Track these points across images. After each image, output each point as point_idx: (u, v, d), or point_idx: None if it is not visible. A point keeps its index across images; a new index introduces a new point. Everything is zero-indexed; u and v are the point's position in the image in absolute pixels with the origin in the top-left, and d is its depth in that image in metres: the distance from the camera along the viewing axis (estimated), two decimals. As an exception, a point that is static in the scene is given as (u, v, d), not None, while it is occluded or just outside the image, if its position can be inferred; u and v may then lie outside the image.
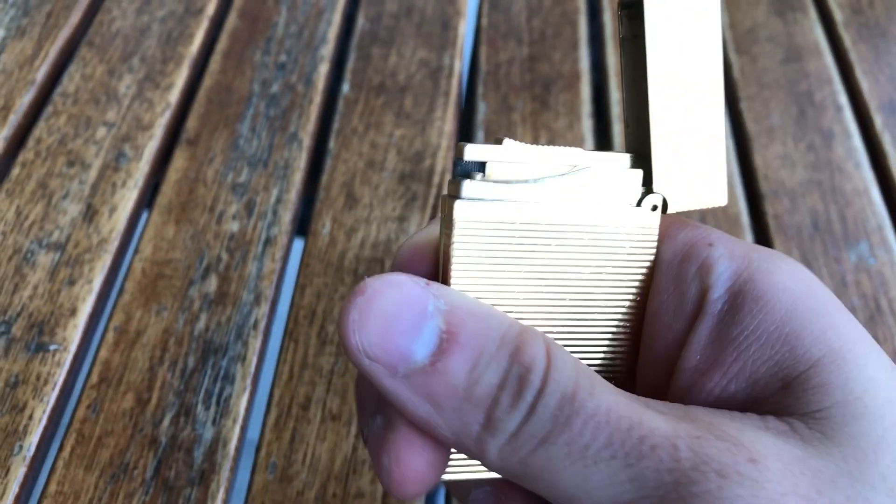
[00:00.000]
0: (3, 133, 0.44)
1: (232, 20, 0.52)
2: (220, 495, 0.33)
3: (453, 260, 0.21)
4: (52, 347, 0.36)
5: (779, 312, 0.20)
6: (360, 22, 0.53)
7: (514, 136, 0.47)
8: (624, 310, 0.22)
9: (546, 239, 0.21)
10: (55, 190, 0.42)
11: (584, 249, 0.22)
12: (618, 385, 0.22)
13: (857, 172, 0.47)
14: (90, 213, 0.41)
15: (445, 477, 0.22)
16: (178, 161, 0.44)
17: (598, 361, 0.23)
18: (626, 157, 0.22)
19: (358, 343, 0.19)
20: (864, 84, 0.52)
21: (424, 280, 0.20)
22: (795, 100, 0.51)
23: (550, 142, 0.47)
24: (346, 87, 0.49)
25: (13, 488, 0.32)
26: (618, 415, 0.18)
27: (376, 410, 0.21)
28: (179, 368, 0.36)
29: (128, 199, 0.42)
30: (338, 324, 0.19)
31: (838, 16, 0.56)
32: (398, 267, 0.23)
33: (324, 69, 0.49)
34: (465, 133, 0.49)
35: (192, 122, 0.46)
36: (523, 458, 0.19)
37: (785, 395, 0.19)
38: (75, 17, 0.50)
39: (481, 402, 0.19)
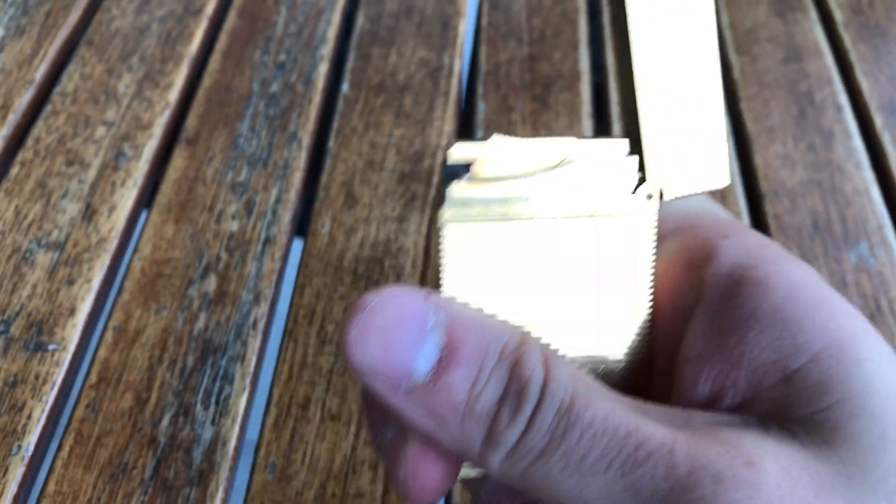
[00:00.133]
0: (2, 132, 0.44)
1: (231, 19, 0.52)
2: (219, 495, 0.33)
3: (445, 266, 0.20)
4: (50, 347, 0.36)
5: (778, 296, 0.20)
6: (360, 21, 0.53)
7: (514, 136, 0.47)
8: (627, 302, 0.22)
9: (539, 234, 0.21)
10: (54, 189, 0.42)
11: (580, 243, 0.21)
12: (634, 379, 0.22)
13: (857, 172, 0.47)
14: (89, 213, 0.41)
15: (462, 474, 0.22)
16: (178, 160, 0.44)
17: (604, 359, 0.22)
18: (624, 143, 0.21)
19: (359, 360, 0.19)
20: (865, 84, 0.52)
21: (425, 291, 0.19)
22: (795, 100, 0.51)
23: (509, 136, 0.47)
24: (345, 87, 0.49)
25: (12, 488, 0.32)
26: (614, 423, 0.18)
27: (388, 420, 0.21)
28: (178, 368, 0.36)
29: (127, 198, 0.42)
30: (339, 340, 0.19)
31: (838, 16, 0.56)
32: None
33: (323, 69, 0.49)
34: (465, 133, 0.49)
35: (191, 122, 0.46)
36: (523, 471, 0.18)
37: (784, 391, 0.19)
38: (74, 17, 0.50)
39: (482, 417, 0.18)
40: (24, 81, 0.46)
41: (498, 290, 0.21)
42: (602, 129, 0.50)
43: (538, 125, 0.48)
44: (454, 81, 0.49)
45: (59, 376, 0.35)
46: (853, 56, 0.53)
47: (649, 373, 0.22)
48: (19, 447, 0.33)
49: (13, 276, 0.38)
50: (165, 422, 0.34)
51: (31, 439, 0.33)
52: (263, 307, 0.38)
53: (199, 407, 0.35)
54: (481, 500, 0.23)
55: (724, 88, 0.22)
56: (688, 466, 0.17)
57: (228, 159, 0.44)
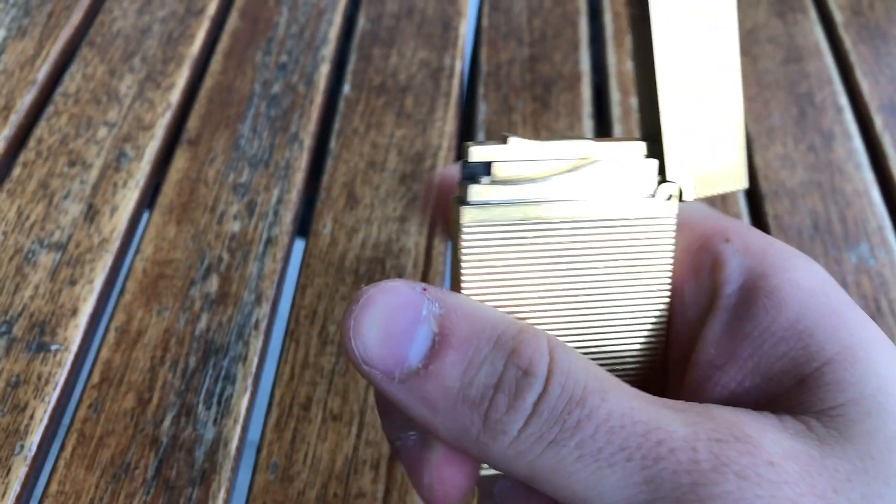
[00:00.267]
0: (5, 133, 0.44)
1: (233, 20, 0.52)
2: (221, 495, 0.33)
3: (463, 265, 0.20)
4: (53, 347, 0.36)
5: (793, 309, 0.20)
6: (361, 22, 0.53)
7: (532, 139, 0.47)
8: (645, 305, 0.22)
9: (558, 237, 0.21)
10: (56, 190, 0.42)
11: (598, 245, 0.21)
12: (650, 381, 0.22)
13: (857, 173, 0.47)
14: (91, 213, 0.41)
15: (482, 473, 0.22)
16: (180, 161, 0.44)
17: (622, 360, 0.22)
18: (642, 146, 0.21)
19: (355, 350, 0.19)
20: (865, 85, 0.52)
21: (421, 284, 0.20)
22: (796, 100, 0.51)
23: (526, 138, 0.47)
24: (346, 88, 0.49)
25: (14, 488, 0.32)
26: (632, 419, 0.18)
27: (408, 426, 0.21)
28: (180, 368, 0.36)
29: (129, 199, 0.42)
30: (339, 332, 0.20)
31: (838, 17, 0.56)
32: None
33: (325, 69, 0.49)
34: (466, 133, 0.49)
35: (193, 123, 0.46)
36: (531, 461, 0.18)
37: (799, 392, 0.19)
38: (76, 17, 0.50)
39: (476, 403, 0.19)
40: (26, 82, 0.46)
41: (516, 291, 0.21)
42: (602, 129, 0.50)
43: (539, 126, 0.48)
44: (455, 82, 0.50)
45: (62, 377, 0.35)
46: (853, 57, 0.53)
47: (664, 375, 0.22)
48: (22, 447, 0.33)
49: (15, 276, 0.38)
50: (167, 422, 0.35)
51: (34, 439, 0.33)
52: (265, 308, 0.38)
53: (201, 407, 0.35)
54: (494, 500, 0.23)
55: (740, 68, 0.22)
56: (711, 463, 0.18)
57: (230, 160, 0.44)
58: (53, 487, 0.33)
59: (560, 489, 0.19)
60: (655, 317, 0.22)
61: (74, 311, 0.37)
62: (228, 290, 0.39)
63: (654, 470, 0.18)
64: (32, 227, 0.40)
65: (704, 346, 0.21)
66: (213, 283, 0.39)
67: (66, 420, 0.35)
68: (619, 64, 0.52)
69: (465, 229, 0.20)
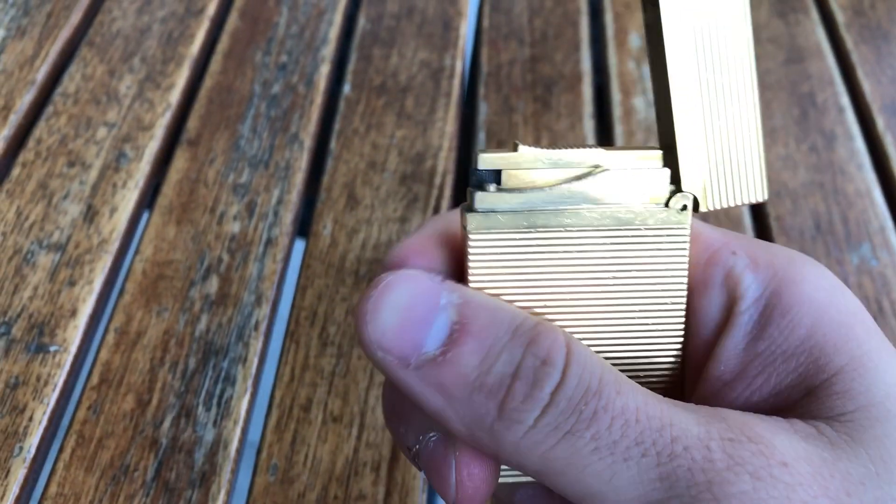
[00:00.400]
0: (4, 133, 0.44)
1: (233, 20, 0.52)
2: (221, 497, 0.33)
3: (470, 272, 0.20)
4: (52, 348, 0.36)
5: (805, 327, 0.20)
6: (361, 22, 0.53)
7: (515, 137, 0.47)
8: (659, 316, 0.21)
9: (568, 246, 0.20)
10: (55, 190, 0.42)
11: (609, 255, 0.21)
12: (664, 394, 0.22)
13: (859, 174, 0.47)
14: (91, 214, 0.41)
15: (502, 480, 0.21)
16: (179, 162, 0.44)
17: (635, 371, 0.22)
18: (657, 154, 0.21)
19: (370, 335, 0.19)
20: (867, 85, 0.51)
21: (439, 276, 0.20)
22: (797, 101, 0.50)
23: (552, 143, 0.47)
24: (347, 88, 0.49)
25: (13, 490, 0.32)
26: (647, 414, 0.18)
27: (428, 426, 0.21)
28: (180, 370, 0.36)
29: (128, 199, 0.42)
30: (354, 319, 0.19)
31: (840, 17, 0.56)
32: (391, 268, 0.22)
33: (325, 70, 0.49)
34: (467, 134, 0.49)
35: (192, 123, 0.46)
36: (544, 453, 0.18)
37: (808, 402, 0.20)
38: (76, 18, 0.50)
39: (493, 391, 0.19)
40: (26, 82, 0.46)
41: (523, 299, 0.21)
42: (603, 130, 0.50)
43: (539, 126, 0.48)
44: (456, 82, 0.49)
45: (61, 378, 0.35)
46: (855, 57, 0.53)
47: (681, 387, 0.22)
48: (21, 449, 0.33)
49: (14, 277, 0.38)
50: (167, 424, 0.34)
51: (33, 441, 0.33)
52: (265, 309, 0.38)
53: (200, 409, 0.35)
54: None
55: (756, 77, 0.21)
56: (726, 462, 0.18)
57: (230, 160, 0.44)
58: (52, 489, 0.32)
59: (573, 483, 0.18)
60: (671, 328, 0.22)
61: (74, 312, 0.37)
62: (228, 291, 0.39)
63: (669, 467, 0.18)
64: (31, 227, 0.40)
65: (717, 361, 0.21)
66: (213, 284, 0.39)
67: (65, 421, 0.35)
68: (620, 64, 0.52)
69: (471, 237, 0.20)
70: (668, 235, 0.21)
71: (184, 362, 0.36)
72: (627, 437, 0.18)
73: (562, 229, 0.20)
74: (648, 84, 0.51)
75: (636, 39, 0.54)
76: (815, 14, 0.56)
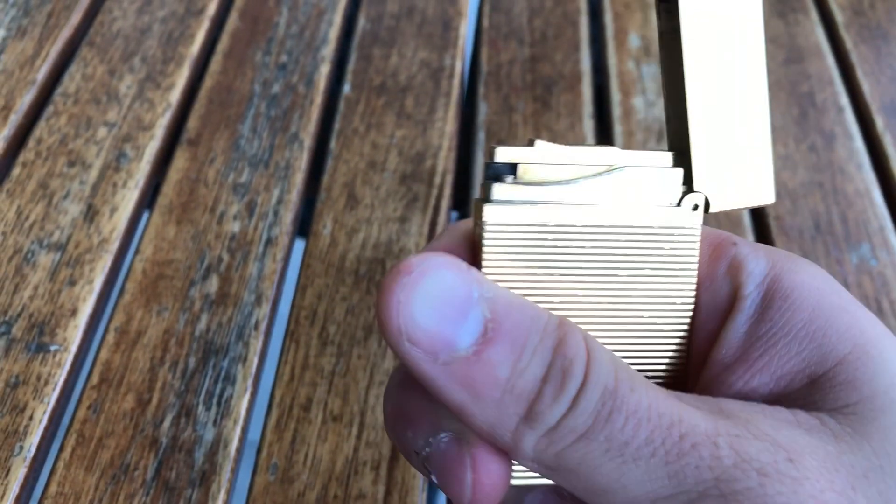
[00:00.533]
0: (4, 133, 0.44)
1: (233, 20, 0.52)
2: (221, 496, 0.33)
3: (484, 265, 0.20)
4: (52, 348, 0.36)
5: (806, 310, 0.20)
6: (361, 22, 0.53)
7: (515, 137, 0.47)
8: (667, 313, 0.22)
9: (581, 241, 0.21)
10: (56, 190, 0.42)
11: (620, 252, 0.21)
12: (669, 387, 0.22)
13: (858, 174, 0.47)
14: (91, 214, 0.41)
15: (514, 482, 0.21)
16: (179, 161, 0.44)
17: (643, 366, 0.22)
18: (668, 156, 0.21)
19: (400, 325, 0.18)
20: (866, 85, 0.52)
21: (465, 263, 0.19)
22: (797, 101, 0.51)
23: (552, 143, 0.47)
24: (347, 88, 0.49)
25: (13, 489, 0.32)
26: (658, 412, 0.18)
27: (439, 427, 0.20)
28: (180, 369, 0.36)
29: (129, 199, 0.42)
30: (377, 303, 0.18)
31: (839, 17, 0.56)
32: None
33: (325, 70, 0.49)
34: (466, 134, 0.49)
35: (192, 123, 0.46)
36: (559, 452, 0.18)
37: (811, 392, 0.20)
38: (76, 17, 0.50)
39: (524, 394, 0.18)
40: (26, 82, 0.46)
41: (536, 293, 0.21)
42: (603, 129, 0.50)
43: (539, 126, 0.48)
44: (455, 82, 0.49)
45: (61, 377, 0.35)
46: (854, 57, 0.53)
47: (685, 381, 0.22)
48: (21, 448, 0.33)
49: (15, 276, 0.38)
50: (167, 423, 0.34)
51: (33, 440, 0.33)
52: (265, 308, 0.38)
53: (200, 408, 0.35)
54: None
55: (767, 82, 0.22)
56: (733, 459, 0.18)
57: (230, 160, 0.44)
58: (53, 489, 0.32)
59: (583, 480, 0.19)
60: (678, 324, 0.22)
61: (74, 312, 0.37)
62: (228, 291, 0.39)
63: (677, 465, 0.18)
64: (32, 227, 0.40)
65: (720, 347, 0.21)
66: (213, 284, 0.39)
67: (65, 421, 0.35)
68: (620, 64, 0.52)
69: (487, 227, 0.20)
70: (679, 234, 0.21)
71: (184, 362, 0.36)
72: (638, 437, 0.18)
73: (576, 224, 0.21)
74: (648, 84, 0.51)
75: (636, 39, 0.54)
76: (814, 14, 0.56)
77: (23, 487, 0.32)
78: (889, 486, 0.18)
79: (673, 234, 0.21)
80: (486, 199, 0.20)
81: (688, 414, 0.18)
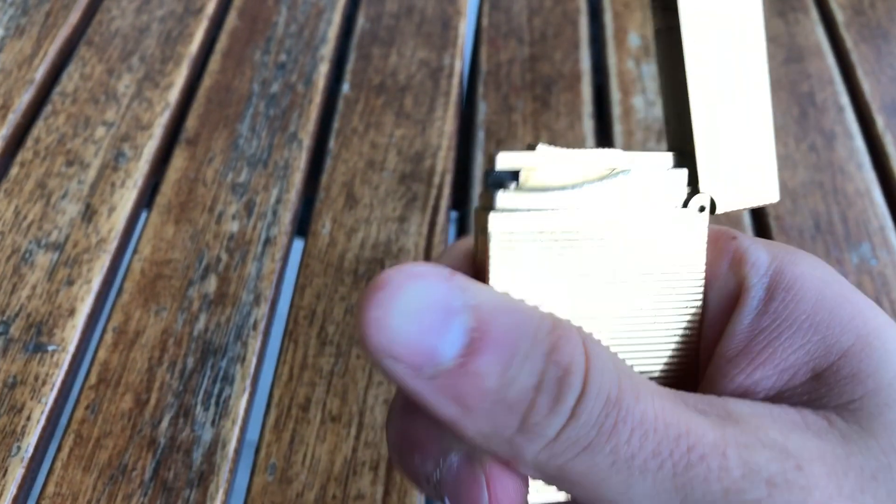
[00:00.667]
0: (2, 132, 0.44)
1: (231, 20, 0.51)
2: (220, 497, 0.33)
3: (491, 275, 0.20)
4: (50, 348, 0.36)
5: (809, 301, 0.20)
6: (361, 22, 0.53)
7: (515, 137, 0.47)
8: (677, 316, 0.21)
9: (588, 246, 0.20)
10: (54, 190, 0.41)
11: (628, 255, 0.21)
12: (679, 387, 0.22)
13: (858, 173, 0.47)
14: (89, 213, 0.41)
15: (530, 499, 0.21)
16: (178, 161, 0.44)
17: (652, 369, 0.22)
18: (669, 157, 0.21)
19: (380, 343, 0.17)
20: (866, 85, 0.51)
21: (448, 270, 0.18)
22: (797, 100, 0.50)
23: (551, 143, 0.47)
24: (346, 87, 0.49)
25: (11, 489, 0.32)
26: (665, 422, 0.18)
27: (448, 447, 0.20)
28: (178, 369, 0.36)
29: (127, 198, 0.42)
30: (356, 320, 0.17)
31: (840, 16, 0.56)
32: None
33: (324, 69, 0.49)
34: (466, 133, 0.49)
35: (191, 122, 0.46)
36: (563, 465, 0.18)
37: (817, 387, 0.19)
38: (74, 17, 0.50)
39: (516, 405, 0.17)
40: (24, 81, 0.46)
41: (545, 299, 0.20)
42: (603, 129, 0.50)
43: (539, 125, 0.48)
44: (455, 81, 0.49)
45: (59, 377, 0.35)
46: (855, 57, 0.53)
47: (695, 380, 0.22)
48: (19, 448, 0.33)
49: (13, 276, 0.38)
50: (165, 423, 0.34)
51: (31, 440, 0.33)
52: (264, 308, 0.38)
53: (199, 408, 0.35)
54: None
55: (769, 80, 0.22)
56: (741, 470, 0.17)
57: (229, 160, 0.44)
58: (50, 489, 0.32)
59: (588, 492, 0.18)
60: (687, 325, 0.22)
61: (72, 312, 0.37)
62: (227, 291, 0.39)
63: (685, 478, 0.17)
64: (30, 226, 0.40)
65: (726, 340, 0.21)
66: (212, 284, 0.39)
67: (63, 421, 0.35)
68: (620, 63, 0.52)
69: (493, 237, 0.20)
70: (686, 236, 0.21)
71: (182, 362, 0.36)
72: (645, 450, 0.17)
73: (583, 229, 0.20)
74: (648, 83, 0.51)
75: (635, 39, 0.54)
76: (814, 13, 0.56)
77: (20, 488, 0.32)
78: None
79: (680, 237, 0.21)
80: (490, 207, 0.20)
81: (695, 423, 0.18)
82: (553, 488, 0.19)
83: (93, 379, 0.35)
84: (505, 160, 0.20)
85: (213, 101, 0.47)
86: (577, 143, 0.47)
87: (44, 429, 0.34)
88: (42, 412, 0.34)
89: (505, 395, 0.17)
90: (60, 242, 0.39)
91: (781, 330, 0.20)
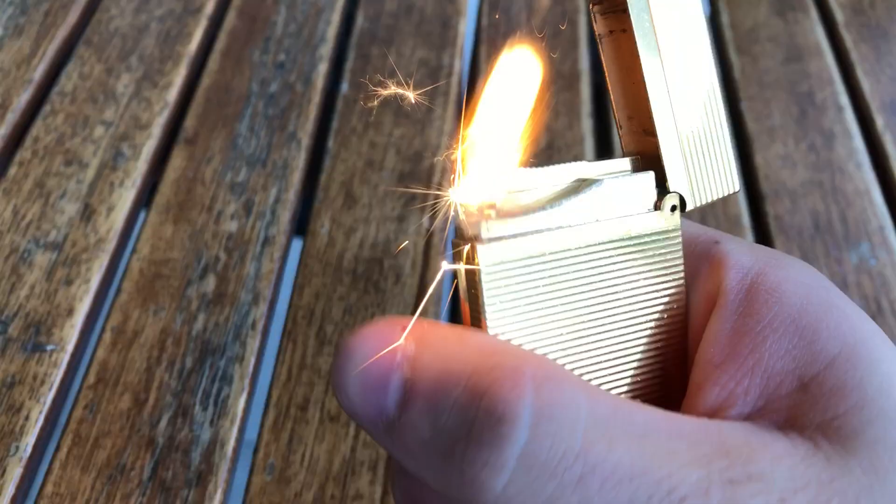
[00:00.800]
0: (1, 132, 0.44)
1: (230, 19, 0.51)
2: (218, 496, 0.33)
3: (487, 308, 0.19)
4: (48, 348, 0.36)
5: (794, 305, 0.20)
6: (360, 21, 0.53)
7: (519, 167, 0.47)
8: (665, 318, 0.22)
9: (577, 263, 0.20)
10: (52, 189, 0.41)
11: (614, 266, 0.21)
12: (670, 391, 0.22)
13: (858, 173, 0.47)
14: (88, 213, 0.41)
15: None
16: (177, 160, 0.44)
17: (643, 376, 0.22)
18: (627, 162, 0.21)
19: (343, 404, 0.18)
20: (866, 84, 0.51)
21: (403, 322, 0.18)
22: (796, 100, 0.50)
23: (551, 142, 0.47)
24: (345, 87, 0.49)
25: (9, 489, 0.32)
26: (644, 467, 0.17)
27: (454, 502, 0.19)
28: (177, 369, 0.36)
29: (125, 198, 0.42)
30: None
31: (839, 16, 0.56)
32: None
33: (323, 68, 0.49)
34: (465, 133, 0.49)
35: (190, 122, 0.46)
36: None
37: (803, 398, 0.19)
38: (73, 16, 0.50)
39: (449, 457, 0.17)
40: (23, 81, 0.46)
41: (539, 326, 0.20)
42: (602, 129, 0.49)
43: (538, 125, 0.48)
44: (454, 81, 0.49)
45: (57, 377, 0.35)
46: (854, 56, 0.53)
47: (684, 382, 0.22)
48: (17, 448, 0.33)
49: (11, 276, 0.38)
50: (164, 423, 0.34)
51: (29, 440, 0.33)
52: (262, 308, 0.38)
53: (197, 408, 0.35)
54: None
55: (724, 89, 0.22)
56: None
57: (227, 159, 0.44)
58: (49, 489, 0.32)
59: None
60: (674, 330, 0.22)
61: (70, 311, 0.37)
62: (225, 290, 0.39)
63: None
64: (28, 226, 0.40)
65: (706, 344, 0.20)
66: (210, 283, 0.39)
67: (61, 421, 0.35)
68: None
69: (484, 270, 0.19)
70: (663, 238, 0.21)
71: (180, 361, 0.36)
72: (620, 499, 0.17)
73: (566, 248, 0.20)
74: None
75: (635, 38, 0.54)
76: (814, 13, 0.56)
77: (18, 487, 0.32)
78: None
79: (657, 239, 0.21)
80: (476, 238, 0.19)
81: (679, 461, 0.17)
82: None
83: (91, 379, 0.35)
84: (468, 216, 0.20)
85: (211, 101, 0.47)
86: (576, 143, 0.47)
87: (42, 428, 0.34)
88: (40, 412, 0.34)
89: (441, 447, 0.17)
90: (59, 242, 0.39)
91: (766, 334, 0.20)
